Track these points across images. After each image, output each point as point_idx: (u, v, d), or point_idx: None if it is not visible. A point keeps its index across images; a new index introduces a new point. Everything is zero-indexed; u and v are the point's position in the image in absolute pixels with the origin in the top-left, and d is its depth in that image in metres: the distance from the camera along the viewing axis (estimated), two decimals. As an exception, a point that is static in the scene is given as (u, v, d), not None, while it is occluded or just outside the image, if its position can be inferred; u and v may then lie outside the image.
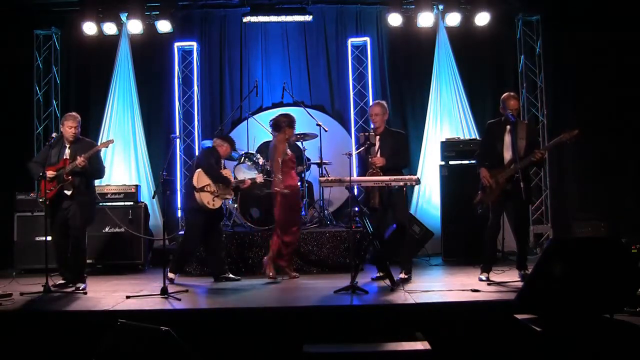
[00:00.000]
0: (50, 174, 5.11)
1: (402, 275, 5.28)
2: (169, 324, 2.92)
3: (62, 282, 5.28)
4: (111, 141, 5.67)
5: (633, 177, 7.37)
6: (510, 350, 3.73)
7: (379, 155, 5.32)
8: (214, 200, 5.53)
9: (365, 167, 5.43)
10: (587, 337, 3.02)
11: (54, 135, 5.61)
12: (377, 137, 5.38)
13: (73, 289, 5.15)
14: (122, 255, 6.39)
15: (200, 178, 5.52)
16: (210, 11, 8.01)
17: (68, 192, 5.19)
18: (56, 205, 5.22)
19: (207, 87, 8.03)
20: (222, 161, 5.81)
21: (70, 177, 5.16)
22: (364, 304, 4.45)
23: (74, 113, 5.49)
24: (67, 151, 5.27)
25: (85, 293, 4.99)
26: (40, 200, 5.25)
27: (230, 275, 5.64)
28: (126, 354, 2.86)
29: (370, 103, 7.66)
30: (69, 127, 5.28)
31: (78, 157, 5.12)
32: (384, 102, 5.62)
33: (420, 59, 7.78)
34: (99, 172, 5.50)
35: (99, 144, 5.54)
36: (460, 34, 7.56)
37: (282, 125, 5.63)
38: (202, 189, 5.49)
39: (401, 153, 5.44)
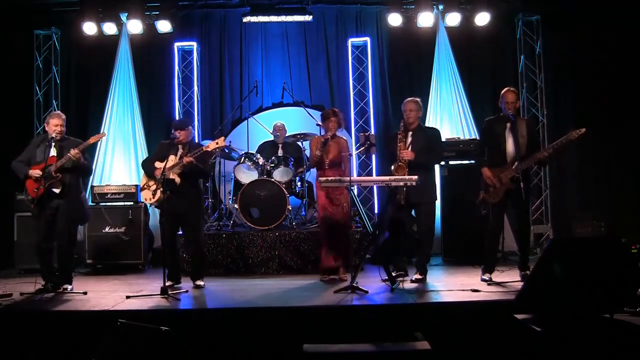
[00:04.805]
0: (36, 172, 4.97)
1: (417, 276, 5.27)
2: (169, 324, 2.92)
3: (41, 287, 5.02)
4: (103, 134, 5.61)
5: (633, 177, 7.37)
6: (510, 350, 3.72)
7: (410, 150, 5.26)
8: (153, 197, 5.27)
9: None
10: (587, 337, 3.02)
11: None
12: (410, 133, 5.34)
13: (60, 290, 5.03)
14: (122, 255, 6.38)
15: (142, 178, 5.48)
16: (210, 11, 8.01)
17: (57, 190, 5.02)
18: (43, 205, 5.00)
19: (207, 87, 8.03)
20: (177, 148, 5.29)
21: (59, 175, 5.00)
22: (364, 304, 4.45)
23: (58, 111, 5.43)
24: (54, 149, 5.09)
25: (86, 293, 4.97)
26: (27, 199, 5.05)
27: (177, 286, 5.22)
28: (126, 354, 2.86)
29: (371, 103, 7.76)
30: (55, 124, 5.12)
31: (72, 149, 4.98)
32: (418, 99, 5.50)
33: (420, 59, 7.78)
34: (90, 169, 5.42)
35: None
36: (460, 34, 7.55)
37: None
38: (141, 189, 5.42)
39: (434, 150, 5.35)
